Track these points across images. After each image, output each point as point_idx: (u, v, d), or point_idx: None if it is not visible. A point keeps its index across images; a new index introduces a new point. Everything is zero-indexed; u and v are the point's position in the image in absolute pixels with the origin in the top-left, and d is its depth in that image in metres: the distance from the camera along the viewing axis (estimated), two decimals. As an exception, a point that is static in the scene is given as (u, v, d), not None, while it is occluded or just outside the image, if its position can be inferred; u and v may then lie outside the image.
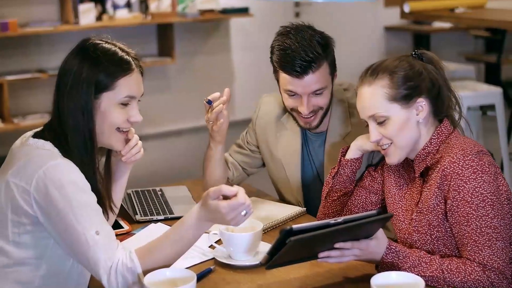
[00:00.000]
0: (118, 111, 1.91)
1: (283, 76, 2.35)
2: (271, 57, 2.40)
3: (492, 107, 4.56)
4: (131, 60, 1.93)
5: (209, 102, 2.34)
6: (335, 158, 2.33)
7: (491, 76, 7.34)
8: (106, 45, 1.93)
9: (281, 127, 2.58)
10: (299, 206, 2.55)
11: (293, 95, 2.37)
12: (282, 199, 2.67)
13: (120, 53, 1.92)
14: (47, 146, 1.86)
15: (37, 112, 6.12)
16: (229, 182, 2.59)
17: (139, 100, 1.97)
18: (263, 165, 2.69)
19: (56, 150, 1.85)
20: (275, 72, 2.41)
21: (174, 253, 1.85)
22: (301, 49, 2.29)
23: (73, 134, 1.87)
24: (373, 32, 7.82)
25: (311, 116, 2.40)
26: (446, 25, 7.44)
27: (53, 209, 1.78)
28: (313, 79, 2.31)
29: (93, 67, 1.87)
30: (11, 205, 1.82)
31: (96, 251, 1.77)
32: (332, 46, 2.39)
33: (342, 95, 2.50)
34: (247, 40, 7.15)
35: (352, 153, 2.24)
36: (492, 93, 4.45)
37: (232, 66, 7.16)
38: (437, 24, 7.52)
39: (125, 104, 1.92)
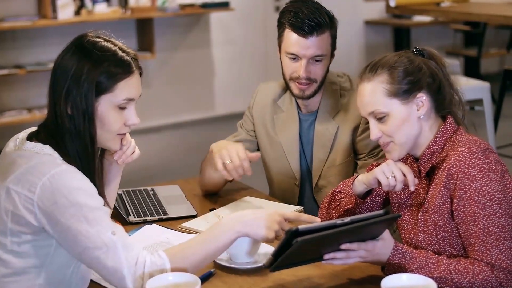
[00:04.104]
0: (115, 115, 1.82)
1: (288, 37, 2.47)
2: (279, 20, 2.52)
3: (477, 101, 4.55)
4: (131, 61, 1.83)
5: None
6: (323, 137, 2.57)
7: (471, 70, 7.36)
8: (106, 44, 1.82)
9: (277, 110, 2.69)
10: (295, 184, 2.66)
11: (294, 59, 2.48)
12: (272, 191, 2.77)
13: (120, 53, 1.82)
14: (47, 150, 1.77)
15: (14, 108, 6.04)
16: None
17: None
18: (258, 151, 2.75)
19: (57, 155, 1.77)
20: (280, 36, 2.52)
21: (205, 254, 1.82)
22: (311, 13, 2.45)
23: (73, 138, 1.78)
24: (353, 26, 7.80)
25: (306, 84, 2.49)
26: (426, 19, 7.44)
27: (62, 217, 1.70)
28: (316, 42, 2.44)
29: (93, 67, 1.77)
30: (11, 214, 1.73)
31: (116, 251, 1.71)
32: (335, 24, 2.54)
33: (334, 79, 2.64)
34: (227, 35, 7.09)
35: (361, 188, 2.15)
36: (480, 88, 4.45)
37: (213, 61, 7.10)
38: (417, 18, 7.52)
39: (122, 107, 1.84)
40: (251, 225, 1.85)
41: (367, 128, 2.51)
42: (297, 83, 2.50)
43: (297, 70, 2.47)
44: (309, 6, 2.47)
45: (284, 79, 2.56)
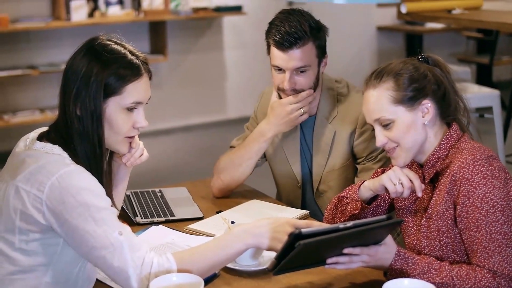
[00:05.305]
0: (123, 117, 1.84)
1: (273, 50, 2.51)
2: (266, 33, 2.55)
3: (487, 109, 4.55)
4: (141, 64, 1.86)
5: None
6: (321, 142, 2.61)
7: (483, 77, 7.35)
8: (116, 47, 1.85)
9: None
10: (298, 187, 2.68)
11: (280, 71, 2.51)
12: (278, 192, 2.81)
13: (130, 56, 1.84)
14: (56, 150, 1.80)
15: (28, 108, 6.07)
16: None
17: (146, 103, 1.91)
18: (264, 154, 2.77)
19: (66, 155, 1.79)
20: (268, 48, 2.56)
21: (213, 262, 1.85)
22: (292, 27, 2.46)
23: (81, 139, 1.81)
24: (365, 31, 7.81)
25: (291, 94, 2.52)
26: (439, 25, 7.43)
27: (70, 216, 1.73)
28: (297, 55, 2.46)
29: (102, 69, 1.79)
30: (20, 213, 1.76)
31: (122, 251, 1.74)
32: (323, 33, 2.54)
33: (332, 85, 2.66)
34: (239, 39, 7.12)
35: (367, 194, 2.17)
36: (490, 96, 4.44)
37: (225, 64, 7.13)
38: (430, 25, 7.51)
39: (131, 109, 1.86)
40: (261, 237, 1.87)
41: (363, 132, 2.56)
42: (285, 94, 2.54)
43: (282, 82, 2.51)
44: (293, 18, 2.47)
45: (275, 88, 2.59)
